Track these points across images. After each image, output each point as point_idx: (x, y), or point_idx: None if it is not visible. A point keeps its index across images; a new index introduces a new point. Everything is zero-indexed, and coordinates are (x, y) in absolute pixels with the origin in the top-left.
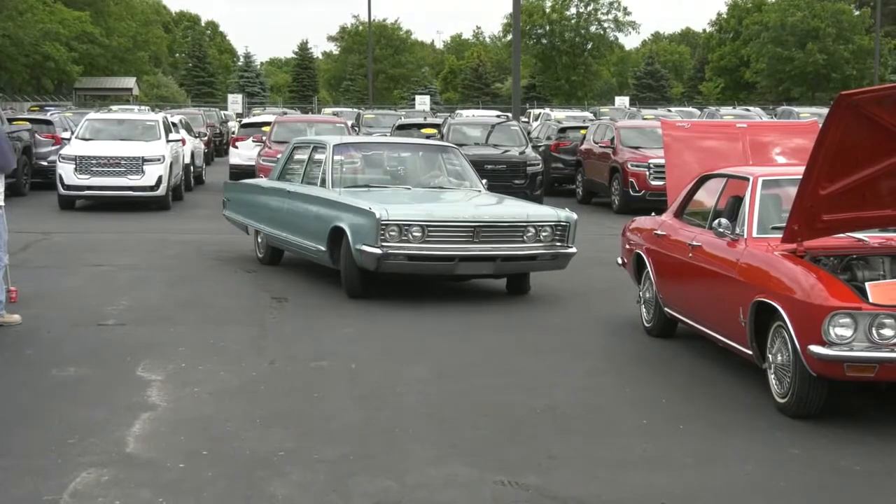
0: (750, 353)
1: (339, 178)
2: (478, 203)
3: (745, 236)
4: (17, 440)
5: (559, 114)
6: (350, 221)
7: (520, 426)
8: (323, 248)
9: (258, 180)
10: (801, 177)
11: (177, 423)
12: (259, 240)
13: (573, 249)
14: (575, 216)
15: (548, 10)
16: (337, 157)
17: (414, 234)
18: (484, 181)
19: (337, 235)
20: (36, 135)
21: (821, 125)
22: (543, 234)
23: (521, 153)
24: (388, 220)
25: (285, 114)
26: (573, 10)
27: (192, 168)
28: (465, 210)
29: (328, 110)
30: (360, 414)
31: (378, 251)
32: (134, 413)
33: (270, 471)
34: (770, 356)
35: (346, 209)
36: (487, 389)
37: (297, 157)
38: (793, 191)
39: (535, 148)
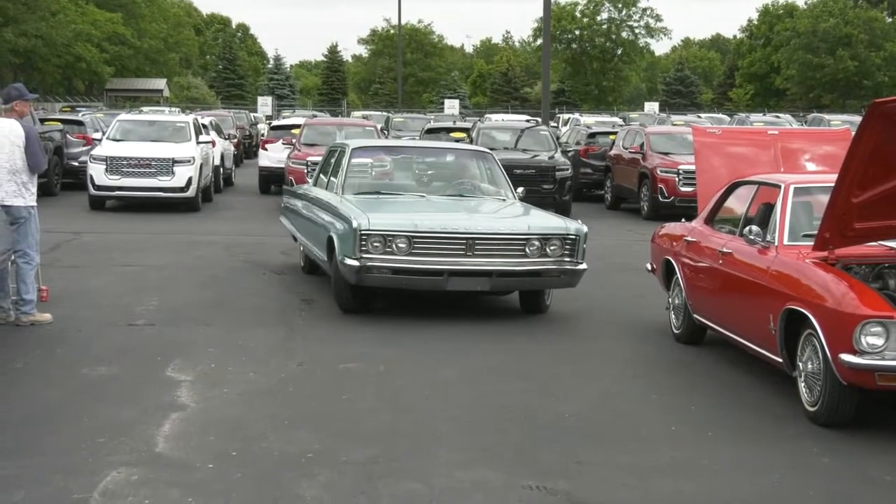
0: (780, 360)
1: (351, 184)
2: (481, 213)
3: (776, 244)
4: (47, 438)
5: (588, 119)
6: (337, 230)
7: (547, 431)
8: (325, 258)
9: (301, 185)
10: (832, 184)
11: (206, 424)
12: (301, 248)
13: (584, 266)
14: (585, 228)
15: (578, 16)
16: (355, 161)
17: (399, 245)
18: (520, 189)
19: (332, 245)
20: (67, 135)
21: (853, 133)
22: (551, 247)
23: (551, 158)
24: (369, 230)
25: (315, 116)
26: (604, 16)
27: (221, 170)
28: (459, 221)
29: (357, 113)
30: (388, 416)
31: (356, 263)
32: (164, 413)
33: (298, 472)
34: (800, 364)
35: (338, 217)
36: (515, 394)
37: (330, 161)
38: (824, 198)
39: (564, 153)
